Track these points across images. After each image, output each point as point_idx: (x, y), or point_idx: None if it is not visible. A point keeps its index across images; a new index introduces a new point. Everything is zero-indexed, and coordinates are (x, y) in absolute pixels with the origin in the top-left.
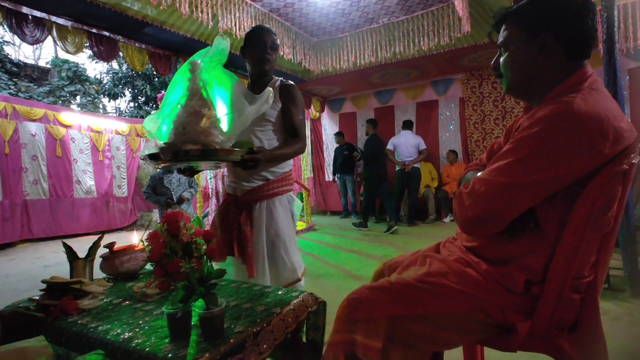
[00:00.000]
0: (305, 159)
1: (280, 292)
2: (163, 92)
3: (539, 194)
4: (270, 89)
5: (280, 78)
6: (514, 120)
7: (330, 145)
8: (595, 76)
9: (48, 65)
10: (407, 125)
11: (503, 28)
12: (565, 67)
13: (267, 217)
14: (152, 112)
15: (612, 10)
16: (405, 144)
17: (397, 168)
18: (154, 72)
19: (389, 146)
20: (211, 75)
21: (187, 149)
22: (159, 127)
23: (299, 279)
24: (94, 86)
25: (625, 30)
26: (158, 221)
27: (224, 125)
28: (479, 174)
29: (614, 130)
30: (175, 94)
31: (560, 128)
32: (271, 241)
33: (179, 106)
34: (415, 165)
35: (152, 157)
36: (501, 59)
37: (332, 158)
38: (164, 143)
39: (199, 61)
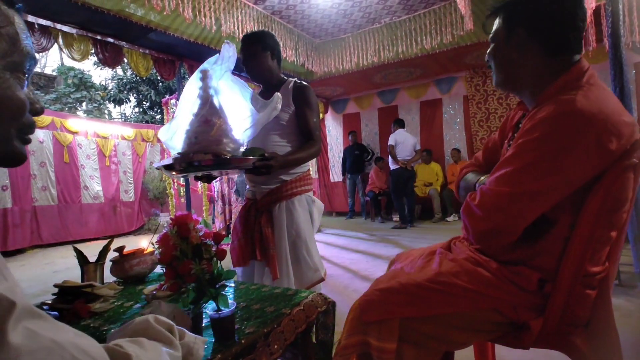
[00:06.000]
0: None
1: (289, 293)
2: (167, 96)
3: (551, 199)
4: (279, 94)
5: (294, 79)
6: (507, 115)
7: (334, 147)
8: (592, 71)
9: (54, 73)
10: (401, 124)
11: (495, 22)
12: (547, 62)
13: (287, 218)
14: (158, 117)
15: (617, 4)
16: (405, 143)
17: (395, 167)
18: (159, 77)
19: (391, 142)
20: (221, 82)
21: (199, 159)
22: (172, 137)
23: (323, 279)
24: (99, 92)
25: (631, 24)
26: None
27: (236, 133)
28: (482, 178)
29: (618, 125)
30: (187, 103)
31: (564, 129)
32: (292, 241)
33: (191, 115)
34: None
35: (168, 167)
36: (486, 54)
37: (339, 158)
38: (178, 153)
39: (209, 69)
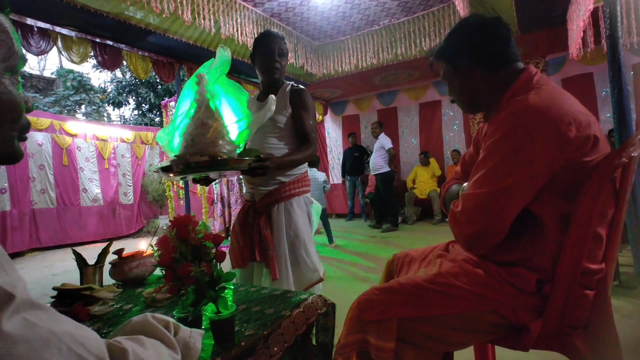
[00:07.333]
0: None
1: (289, 295)
2: (167, 99)
3: (528, 193)
4: (273, 96)
5: (292, 83)
6: (478, 129)
7: (334, 148)
8: (541, 75)
9: (53, 76)
10: (383, 127)
11: (441, 64)
12: (496, 78)
13: (285, 219)
14: (157, 119)
15: (615, 6)
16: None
17: (387, 170)
18: (158, 80)
19: (390, 144)
20: (217, 85)
21: (196, 160)
22: (170, 140)
23: (322, 279)
24: (98, 95)
25: (629, 26)
26: None
27: (232, 135)
28: (464, 185)
29: (574, 115)
30: (184, 107)
31: (523, 124)
32: (291, 242)
33: (187, 118)
34: None
35: (165, 169)
36: (446, 90)
37: (338, 160)
38: (175, 155)
39: (205, 73)
